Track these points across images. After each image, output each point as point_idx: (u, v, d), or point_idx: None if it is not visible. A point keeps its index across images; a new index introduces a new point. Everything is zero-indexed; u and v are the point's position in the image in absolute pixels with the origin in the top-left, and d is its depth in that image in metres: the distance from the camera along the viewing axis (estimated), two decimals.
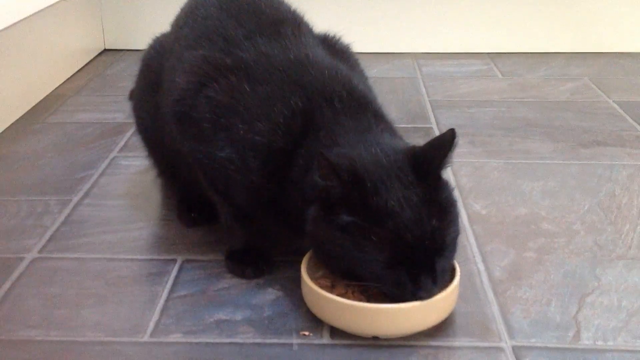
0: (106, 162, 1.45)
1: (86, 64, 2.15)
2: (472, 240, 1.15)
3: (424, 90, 1.92)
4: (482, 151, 1.50)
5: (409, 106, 1.79)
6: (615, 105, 1.77)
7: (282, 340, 0.92)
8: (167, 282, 1.04)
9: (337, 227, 0.87)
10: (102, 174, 1.39)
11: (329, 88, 0.98)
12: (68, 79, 2.00)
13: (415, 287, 0.87)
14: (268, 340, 0.92)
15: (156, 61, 1.15)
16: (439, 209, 0.88)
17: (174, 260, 1.10)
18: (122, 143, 1.54)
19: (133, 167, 1.42)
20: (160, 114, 1.11)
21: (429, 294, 0.87)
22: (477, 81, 1.99)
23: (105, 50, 2.31)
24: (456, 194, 1.28)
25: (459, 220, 0.92)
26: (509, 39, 2.26)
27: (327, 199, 0.87)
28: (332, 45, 1.13)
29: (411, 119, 1.70)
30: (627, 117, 1.68)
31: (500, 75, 2.05)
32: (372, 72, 2.07)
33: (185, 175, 1.14)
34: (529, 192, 1.32)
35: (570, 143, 1.54)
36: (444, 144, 0.88)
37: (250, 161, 0.95)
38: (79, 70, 2.08)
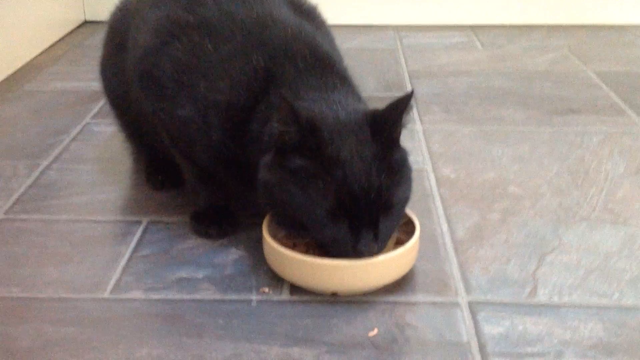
0: (78, 128, 1.45)
1: (65, 35, 2.14)
2: (438, 203, 1.16)
3: (403, 61, 1.91)
4: (456, 118, 1.50)
5: (387, 76, 1.79)
6: (593, 75, 1.76)
7: (241, 297, 0.92)
8: (130, 243, 1.04)
9: (287, 171, 0.87)
10: (73, 140, 1.39)
11: (292, 47, 0.98)
12: (46, 49, 1.99)
13: (356, 241, 0.86)
14: (227, 297, 0.92)
15: (122, 23, 1.14)
16: (389, 168, 0.88)
17: (139, 222, 1.10)
18: (95, 110, 1.53)
19: (105, 133, 1.42)
20: (125, 75, 1.11)
21: (369, 250, 0.87)
22: (457, 52, 1.99)
23: (86, 22, 2.30)
24: (426, 159, 1.32)
25: (412, 185, 0.92)
26: (490, 11, 2.25)
27: (282, 146, 0.87)
28: (298, 6, 1.13)
29: (388, 88, 1.70)
30: (603, 86, 1.68)
31: (480, 47, 2.04)
32: (353, 43, 2.07)
33: (151, 137, 1.14)
34: (499, 158, 1.32)
35: (544, 110, 1.54)
36: (400, 105, 0.88)
37: (211, 119, 0.95)
38: (58, 41, 2.07)
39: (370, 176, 0.85)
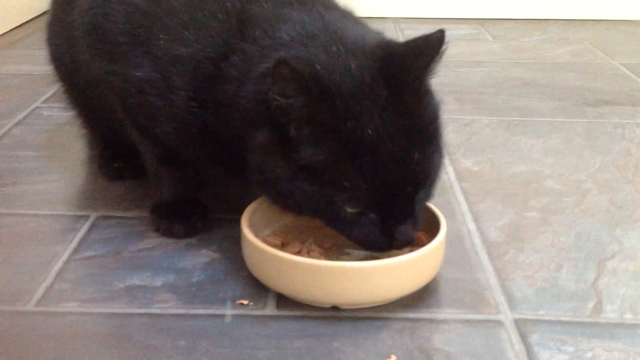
0: (26, 112, 1.22)
1: (27, 22, 1.92)
2: (460, 198, 0.94)
3: None
4: (472, 108, 1.29)
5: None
6: (621, 67, 1.56)
7: (212, 311, 0.69)
8: (71, 242, 0.81)
9: (296, 164, 0.66)
10: (17, 124, 1.16)
11: None
12: (4, 33, 1.77)
13: (391, 240, 0.68)
14: (193, 311, 0.69)
15: None
16: (421, 136, 0.67)
17: (86, 217, 0.87)
18: (48, 94, 1.30)
19: (57, 118, 1.18)
20: (73, 37, 0.88)
21: (407, 240, 0.68)
22: (466, 43, 1.78)
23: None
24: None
25: (442, 139, 0.71)
26: (500, 4, 2.05)
27: (282, 121, 0.66)
28: None
29: None
30: (637, 78, 1.48)
31: (491, 39, 1.84)
32: None
33: (105, 114, 0.91)
34: (528, 150, 1.10)
35: (573, 102, 1.33)
36: (429, 48, 0.67)
37: (173, 80, 0.73)
38: (17, 27, 1.85)
39: (403, 159, 0.65)
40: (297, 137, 0.66)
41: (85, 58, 0.85)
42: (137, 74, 0.76)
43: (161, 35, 0.75)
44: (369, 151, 0.65)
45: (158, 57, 0.75)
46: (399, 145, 0.65)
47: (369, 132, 0.64)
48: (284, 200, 0.70)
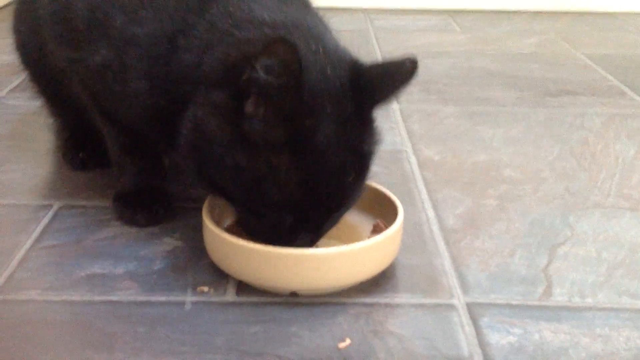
0: None
1: None
2: (421, 186, 0.96)
3: (374, 41, 1.71)
4: (437, 98, 1.31)
5: (358, 56, 1.59)
6: (585, 57, 1.59)
7: (172, 298, 0.70)
8: (34, 231, 0.82)
9: (240, 133, 0.65)
10: None
11: None
12: None
13: (291, 240, 0.69)
14: (153, 298, 0.70)
15: None
16: (361, 160, 0.69)
17: (49, 206, 0.87)
18: (15, 84, 1.30)
19: (22, 108, 1.18)
20: (38, 26, 0.88)
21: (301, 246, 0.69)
22: (434, 34, 1.80)
23: None
24: (405, 139, 1.12)
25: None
26: None
27: (246, 91, 0.64)
28: None
29: None
30: (599, 69, 1.51)
31: (458, 30, 1.86)
32: None
33: (70, 102, 0.91)
34: (489, 139, 1.13)
35: (536, 92, 1.35)
36: (400, 75, 0.67)
37: (130, 61, 0.73)
38: None
39: (340, 177, 0.66)
40: (253, 111, 0.65)
41: (50, 47, 0.85)
42: (96, 59, 0.76)
43: (118, 17, 0.75)
44: (313, 156, 0.65)
45: (115, 39, 0.75)
46: (342, 163, 0.66)
47: (322, 138, 0.65)
48: (206, 168, 0.68)
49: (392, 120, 1.19)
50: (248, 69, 0.63)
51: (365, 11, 2.03)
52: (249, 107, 0.65)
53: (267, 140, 0.64)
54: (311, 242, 0.70)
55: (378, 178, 0.94)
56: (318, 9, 0.78)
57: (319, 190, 0.66)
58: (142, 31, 0.73)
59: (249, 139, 0.65)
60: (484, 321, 0.68)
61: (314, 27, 0.70)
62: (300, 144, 0.64)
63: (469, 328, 0.66)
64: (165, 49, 0.72)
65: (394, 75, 0.68)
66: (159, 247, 0.79)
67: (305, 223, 0.68)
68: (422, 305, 0.70)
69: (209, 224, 0.74)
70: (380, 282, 0.73)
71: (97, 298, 0.70)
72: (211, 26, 0.70)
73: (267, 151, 0.65)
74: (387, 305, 0.70)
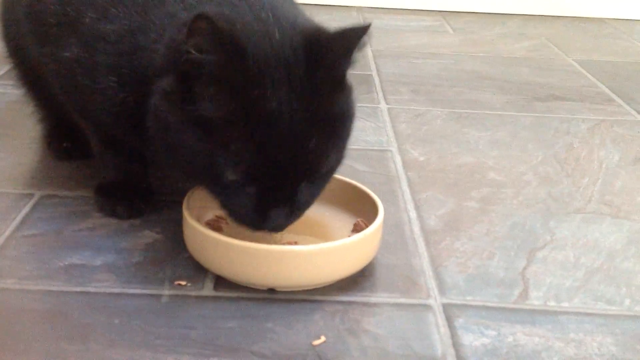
0: None
1: None
2: (404, 187, 0.96)
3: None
4: (426, 99, 1.31)
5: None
6: (575, 63, 1.60)
7: (148, 291, 0.70)
8: (14, 219, 0.82)
9: (191, 115, 0.65)
10: None
11: None
12: None
13: (263, 218, 0.68)
14: (130, 290, 0.70)
15: None
16: (324, 126, 0.67)
17: (31, 195, 0.87)
18: (1, 72, 1.29)
19: (7, 96, 1.18)
20: (18, 20, 0.88)
21: (280, 224, 0.69)
22: (426, 35, 1.80)
23: None
24: (391, 139, 1.12)
25: (348, 140, 0.71)
26: None
27: (189, 73, 0.65)
28: None
29: None
30: (588, 75, 1.51)
31: (451, 31, 1.86)
32: None
33: (51, 94, 0.91)
34: (475, 142, 1.13)
35: (524, 96, 1.36)
36: (352, 36, 0.67)
37: (98, 57, 0.74)
38: None
39: (297, 141, 0.65)
40: (200, 92, 0.65)
41: (26, 41, 0.85)
42: (65, 54, 0.76)
43: (88, 14, 0.75)
44: (265, 123, 0.64)
45: (84, 34, 0.75)
46: (299, 128, 0.65)
47: (273, 104, 0.64)
48: (172, 156, 0.69)
49: (379, 120, 1.19)
50: (184, 52, 0.63)
51: (359, 9, 2.04)
52: (198, 87, 0.65)
53: (219, 116, 0.64)
54: (286, 217, 0.68)
55: (362, 177, 0.95)
56: None
57: (277, 157, 0.65)
58: (111, 28, 0.73)
59: (202, 119, 0.64)
60: (459, 322, 0.68)
61: (268, 2, 0.69)
62: (250, 114, 0.64)
63: (444, 329, 0.67)
64: (132, 44, 0.72)
65: (348, 37, 0.67)
66: (138, 240, 0.79)
67: (273, 194, 0.67)
68: (398, 305, 0.70)
69: (188, 218, 0.74)
70: (358, 280, 0.73)
71: (74, 289, 0.70)
72: (168, 15, 0.70)
73: (220, 128, 0.64)
74: (364, 303, 0.70)
